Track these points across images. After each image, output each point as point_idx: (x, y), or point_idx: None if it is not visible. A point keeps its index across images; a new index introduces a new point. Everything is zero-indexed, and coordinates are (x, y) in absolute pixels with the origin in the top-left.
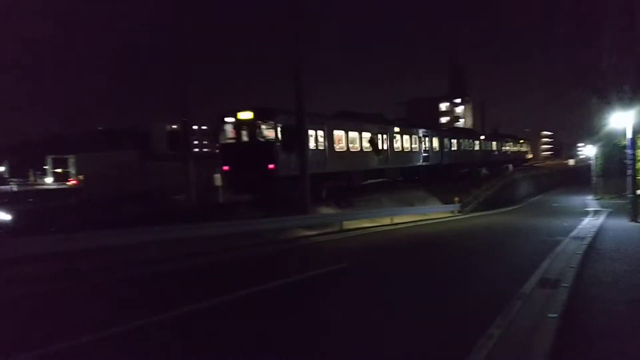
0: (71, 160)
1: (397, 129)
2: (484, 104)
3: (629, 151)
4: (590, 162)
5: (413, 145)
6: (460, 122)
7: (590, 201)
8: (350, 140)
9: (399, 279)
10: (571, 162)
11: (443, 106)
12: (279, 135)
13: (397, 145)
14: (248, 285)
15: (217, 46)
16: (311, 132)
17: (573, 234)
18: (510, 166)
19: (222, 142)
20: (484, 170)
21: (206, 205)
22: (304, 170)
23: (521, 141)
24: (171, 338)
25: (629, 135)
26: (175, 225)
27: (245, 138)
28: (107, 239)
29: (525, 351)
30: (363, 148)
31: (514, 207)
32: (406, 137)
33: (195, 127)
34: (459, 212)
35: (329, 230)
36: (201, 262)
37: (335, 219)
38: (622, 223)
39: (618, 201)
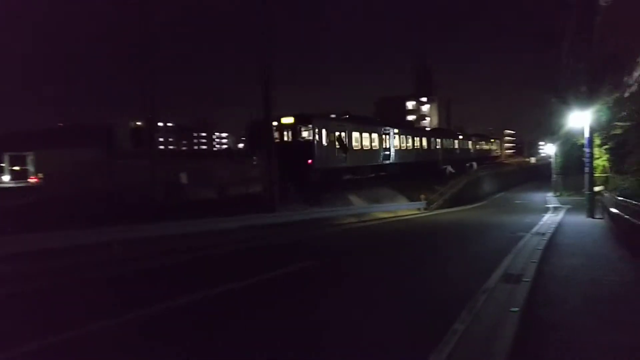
0: (30, 157)
1: (396, 130)
2: (449, 102)
3: (586, 150)
4: (551, 160)
5: (408, 145)
6: (426, 121)
7: (550, 198)
8: (364, 140)
9: (369, 275)
10: (533, 160)
11: (410, 105)
12: (316, 136)
13: (395, 144)
14: (212, 286)
15: (192, 44)
16: (337, 133)
17: (534, 229)
18: (475, 164)
19: (277, 142)
20: (449, 168)
21: (172, 204)
22: (271, 171)
23: (492, 140)
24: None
25: (587, 134)
26: (140, 224)
27: (287, 138)
28: (68, 239)
29: (487, 345)
30: (372, 147)
31: (478, 204)
32: (402, 137)
33: (160, 124)
34: (425, 209)
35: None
36: (163, 261)
37: (302, 217)
38: (580, 219)
39: (576, 198)
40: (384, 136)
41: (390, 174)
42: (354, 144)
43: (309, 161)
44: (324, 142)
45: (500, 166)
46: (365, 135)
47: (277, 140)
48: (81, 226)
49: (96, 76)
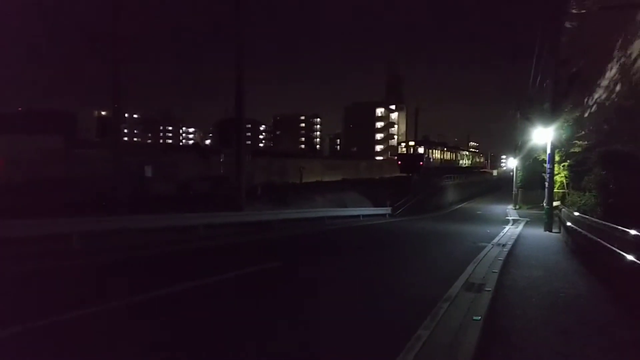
0: None
1: (445, 148)
2: (418, 111)
3: (547, 165)
4: (512, 173)
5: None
6: (394, 128)
7: (510, 210)
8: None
9: (331, 281)
10: (495, 172)
11: (379, 112)
12: (423, 152)
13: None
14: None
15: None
16: (430, 150)
17: (495, 240)
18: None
19: (399, 153)
20: (415, 176)
21: (135, 198)
22: (240, 171)
23: (481, 154)
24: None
25: (549, 150)
26: (100, 216)
27: (410, 152)
28: (24, 228)
29: (451, 352)
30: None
31: (442, 213)
32: (448, 153)
33: (126, 115)
34: (390, 215)
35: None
36: (121, 256)
37: (269, 217)
38: (538, 232)
39: (535, 211)
40: (446, 153)
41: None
42: (436, 156)
43: (421, 163)
44: (426, 155)
45: (463, 177)
46: (438, 151)
47: (404, 152)
48: (38, 215)
49: (61, 61)
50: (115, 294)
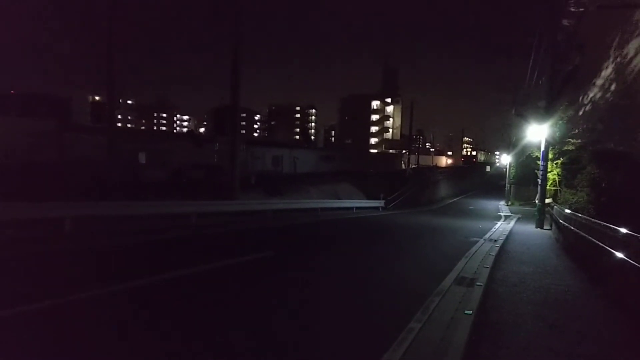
0: None
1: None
2: (412, 105)
3: (541, 163)
4: (505, 170)
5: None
6: (390, 122)
7: (502, 206)
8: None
9: (323, 272)
10: (488, 168)
11: (374, 104)
12: (476, 153)
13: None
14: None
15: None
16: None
17: (487, 236)
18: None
19: (462, 154)
20: (409, 170)
21: (128, 184)
22: (234, 160)
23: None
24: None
25: (543, 148)
26: (94, 202)
27: (468, 154)
28: (13, 211)
29: (442, 345)
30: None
31: (435, 207)
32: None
33: (120, 100)
34: (383, 208)
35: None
36: (114, 241)
37: (262, 207)
38: (530, 229)
39: (526, 208)
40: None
41: None
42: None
43: (474, 160)
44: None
45: (456, 173)
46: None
47: (466, 154)
48: (27, 199)
49: (56, 45)
50: (101, 280)
